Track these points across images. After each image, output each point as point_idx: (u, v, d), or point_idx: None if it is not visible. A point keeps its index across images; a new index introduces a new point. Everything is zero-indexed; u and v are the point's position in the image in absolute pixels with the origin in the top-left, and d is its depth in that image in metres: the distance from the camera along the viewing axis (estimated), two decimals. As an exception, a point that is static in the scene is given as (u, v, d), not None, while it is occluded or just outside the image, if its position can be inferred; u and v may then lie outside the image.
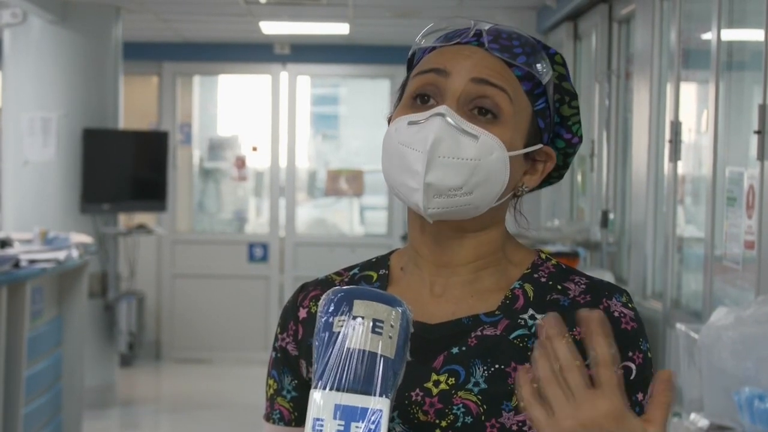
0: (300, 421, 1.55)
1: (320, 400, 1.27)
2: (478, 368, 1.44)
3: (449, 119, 1.43)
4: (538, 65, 1.49)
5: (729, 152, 4.45)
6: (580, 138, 1.58)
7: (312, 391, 1.28)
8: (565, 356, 1.26)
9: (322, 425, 1.26)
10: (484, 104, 1.46)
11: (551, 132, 1.54)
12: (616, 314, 1.46)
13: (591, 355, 1.26)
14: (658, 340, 5.09)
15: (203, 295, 10.15)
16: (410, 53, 1.57)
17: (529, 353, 1.43)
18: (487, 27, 1.51)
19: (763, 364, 3.19)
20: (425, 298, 1.52)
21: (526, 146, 1.49)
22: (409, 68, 1.57)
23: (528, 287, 1.51)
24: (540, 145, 1.51)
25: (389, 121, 1.54)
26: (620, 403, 1.25)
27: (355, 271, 1.60)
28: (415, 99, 1.49)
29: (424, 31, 1.55)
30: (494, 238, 1.53)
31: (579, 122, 1.57)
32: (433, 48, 1.53)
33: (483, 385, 1.43)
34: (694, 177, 5.16)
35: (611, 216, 6.34)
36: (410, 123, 1.45)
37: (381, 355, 1.28)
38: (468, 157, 1.43)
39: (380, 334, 1.29)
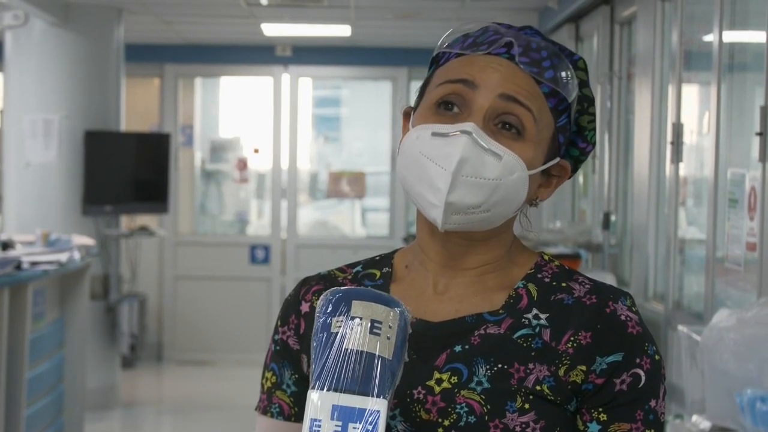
0: (300, 416, 1.54)
1: (318, 401, 1.27)
2: (481, 367, 1.44)
3: (476, 138, 1.43)
4: (564, 75, 1.49)
5: (731, 154, 4.45)
6: (594, 145, 1.58)
7: (309, 391, 1.28)
8: None
9: (319, 426, 1.26)
10: (510, 120, 1.46)
11: (568, 144, 1.55)
12: (623, 318, 1.46)
13: None
14: (659, 342, 5.09)
15: (205, 296, 10.16)
16: (435, 52, 1.55)
17: (532, 353, 1.44)
18: (516, 36, 1.50)
19: (765, 365, 3.19)
20: (429, 295, 1.52)
21: (544, 162, 1.50)
22: (432, 65, 1.56)
23: (532, 287, 1.51)
24: (557, 160, 1.52)
25: (406, 115, 1.54)
26: None
27: (359, 268, 1.60)
28: (439, 106, 1.48)
29: (450, 32, 1.54)
30: (502, 244, 1.53)
31: (594, 129, 1.57)
32: (460, 53, 1.51)
33: (486, 385, 1.43)
34: (696, 179, 5.16)
35: (613, 218, 6.34)
36: (434, 134, 1.45)
37: (379, 356, 1.28)
38: (490, 177, 1.43)
39: (378, 334, 1.29)
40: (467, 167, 1.42)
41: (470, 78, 1.47)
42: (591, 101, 1.55)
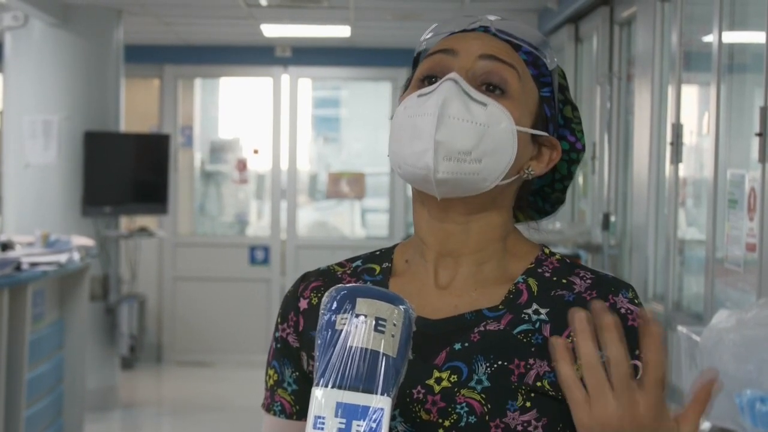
0: (301, 414, 1.55)
1: (322, 398, 1.27)
2: (481, 365, 1.43)
3: (460, 83, 1.44)
4: (541, 49, 1.52)
5: (730, 154, 4.45)
6: (584, 146, 1.58)
7: (314, 388, 1.28)
8: (617, 350, 1.27)
9: (323, 423, 1.26)
10: (493, 79, 1.47)
11: (556, 126, 1.55)
12: (622, 311, 1.46)
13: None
14: (659, 342, 5.09)
15: (204, 297, 10.16)
16: (416, 52, 1.58)
17: (532, 349, 1.44)
18: (493, 18, 1.54)
19: (764, 366, 3.19)
20: (428, 290, 1.51)
21: (533, 128, 1.50)
22: (414, 67, 1.58)
23: (532, 282, 1.50)
24: (546, 134, 1.52)
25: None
26: (660, 401, 1.27)
27: (358, 263, 1.59)
28: (423, 81, 1.50)
29: (429, 30, 1.57)
30: (498, 223, 1.52)
31: (582, 131, 1.58)
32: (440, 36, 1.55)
33: (486, 383, 1.42)
34: (696, 179, 5.16)
35: (612, 218, 6.34)
36: (420, 95, 1.46)
37: (383, 354, 1.28)
38: (477, 121, 1.43)
39: (383, 332, 1.29)
40: (452, 108, 1.43)
41: (449, 47, 1.50)
42: (574, 107, 1.57)
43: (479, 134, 1.43)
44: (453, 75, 1.45)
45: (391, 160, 1.50)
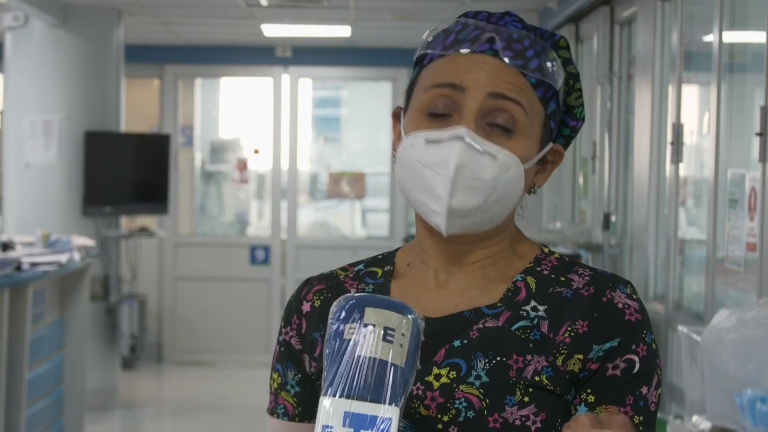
0: (304, 416, 1.56)
1: (330, 407, 1.27)
2: (480, 361, 1.44)
3: (470, 141, 1.44)
4: (549, 64, 1.49)
5: (731, 154, 4.45)
6: (583, 119, 1.58)
7: (321, 397, 1.28)
8: None
9: None
10: (501, 118, 1.46)
11: (558, 126, 1.55)
12: (620, 305, 1.46)
13: None
14: (659, 342, 5.09)
15: (205, 297, 10.16)
16: (418, 53, 1.55)
17: (530, 345, 1.45)
18: (497, 29, 1.50)
19: (765, 366, 3.19)
20: (429, 291, 1.53)
21: (538, 151, 1.50)
22: (416, 65, 1.55)
23: (530, 280, 1.51)
24: (551, 145, 1.53)
25: (396, 116, 1.54)
26: None
27: (361, 267, 1.60)
28: (429, 113, 1.48)
29: (430, 31, 1.54)
30: (504, 237, 1.54)
31: (582, 104, 1.58)
32: (443, 54, 1.51)
33: (485, 378, 1.43)
34: (696, 179, 5.16)
35: (613, 218, 6.34)
36: (428, 141, 1.45)
37: (391, 364, 1.28)
38: (488, 178, 1.44)
39: (391, 342, 1.29)
40: (465, 172, 1.43)
41: (457, 81, 1.47)
42: (576, 77, 1.55)
43: (489, 190, 1.45)
44: (463, 132, 1.44)
45: (399, 186, 1.51)
